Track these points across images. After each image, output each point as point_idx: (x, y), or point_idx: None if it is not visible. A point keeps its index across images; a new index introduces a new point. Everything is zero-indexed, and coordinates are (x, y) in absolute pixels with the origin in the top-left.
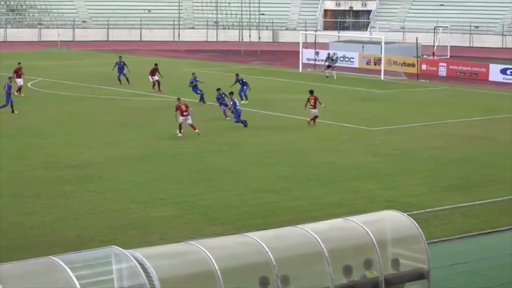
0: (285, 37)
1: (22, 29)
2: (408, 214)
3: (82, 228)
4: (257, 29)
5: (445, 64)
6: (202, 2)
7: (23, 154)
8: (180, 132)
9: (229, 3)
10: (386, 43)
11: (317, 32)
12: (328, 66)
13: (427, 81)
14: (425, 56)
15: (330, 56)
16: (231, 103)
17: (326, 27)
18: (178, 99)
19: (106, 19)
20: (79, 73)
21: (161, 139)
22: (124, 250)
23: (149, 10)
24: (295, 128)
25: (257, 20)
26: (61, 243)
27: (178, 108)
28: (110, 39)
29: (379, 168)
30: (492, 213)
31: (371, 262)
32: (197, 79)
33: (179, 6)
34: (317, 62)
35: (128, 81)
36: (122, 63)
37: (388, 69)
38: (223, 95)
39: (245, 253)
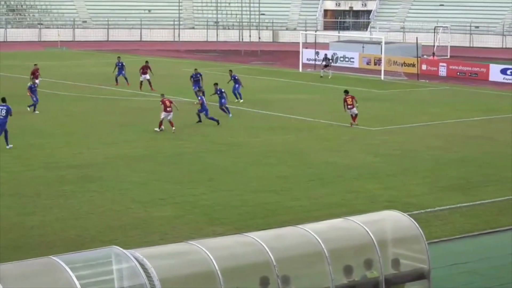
0: (285, 37)
1: (22, 29)
2: (408, 214)
3: (83, 228)
4: (257, 29)
5: (445, 64)
6: (202, 2)
7: (24, 154)
8: (160, 127)
9: (229, 3)
10: (386, 43)
11: (317, 32)
12: (325, 66)
13: (427, 81)
14: (425, 56)
15: (327, 56)
16: (199, 99)
17: (326, 27)
18: (162, 95)
19: (106, 19)
20: (79, 73)
21: (161, 139)
22: (124, 250)
23: (149, 10)
24: (295, 128)
25: (257, 20)
26: (62, 243)
27: (162, 102)
28: (110, 39)
29: (379, 168)
30: (492, 213)
31: (372, 262)
32: (198, 74)
33: (179, 6)
34: (317, 62)
35: (127, 81)
36: (120, 64)
37: (388, 69)
38: (222, 91)
39: (246, 253)
